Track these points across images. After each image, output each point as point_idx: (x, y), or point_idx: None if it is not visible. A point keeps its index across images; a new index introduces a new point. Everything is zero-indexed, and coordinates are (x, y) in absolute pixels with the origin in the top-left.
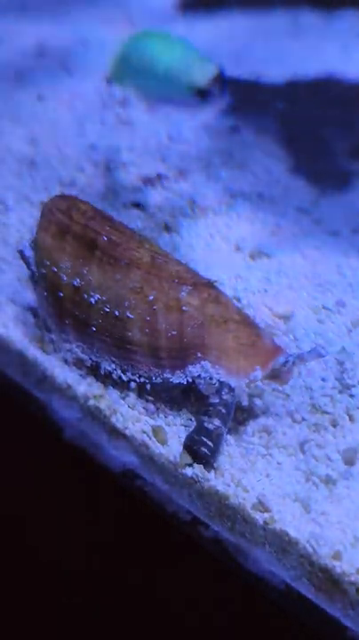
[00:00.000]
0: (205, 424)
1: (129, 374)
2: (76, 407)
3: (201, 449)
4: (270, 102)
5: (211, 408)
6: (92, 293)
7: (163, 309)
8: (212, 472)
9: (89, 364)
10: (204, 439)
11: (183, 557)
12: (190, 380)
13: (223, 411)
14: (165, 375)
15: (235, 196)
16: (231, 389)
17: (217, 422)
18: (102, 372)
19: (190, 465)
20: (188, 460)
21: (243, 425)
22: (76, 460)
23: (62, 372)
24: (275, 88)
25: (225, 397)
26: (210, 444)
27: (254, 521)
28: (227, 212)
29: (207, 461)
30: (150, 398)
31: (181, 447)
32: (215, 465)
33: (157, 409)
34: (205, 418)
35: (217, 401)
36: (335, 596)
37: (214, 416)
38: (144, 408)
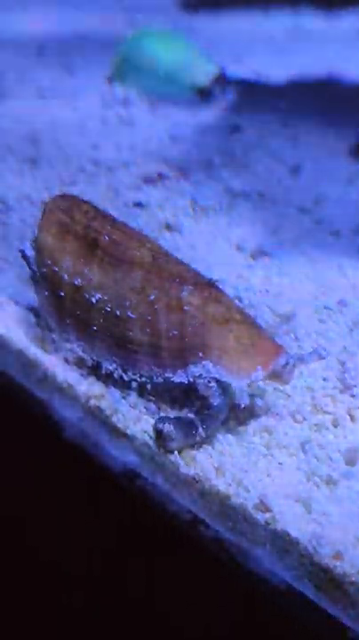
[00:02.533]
0: (183, 416)
1: (130, 374)
2: (77, 407)
3: (165, 425)
4: (271, 102)
5: (196, 407)
6: (93, 293)
7: (164, 309)
8: (214, 472)
9: (90, 364)
10: (174, 421)
11: (184, 557)
12: (191, 380)
13: (209, 413)
14: (166, 375)
15: (237, 196)
16: (226, 392)
17: (195, 418)
18: (103, 372)
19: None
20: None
21: (244, 425)
22: (77, 459)
23: (63, 372)
24: (276, 88)
25: (216, 401)
26: (177, 427)
27: (255, 521)
28: (228, 212)
29: (165, 440)
30: (151, 398)
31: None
32: (174, 448)
33: (159, 409)
34: (187, 412)
35: (214, 403)
36: (336, 596)
37: (197, 414)
38: (145, 408)
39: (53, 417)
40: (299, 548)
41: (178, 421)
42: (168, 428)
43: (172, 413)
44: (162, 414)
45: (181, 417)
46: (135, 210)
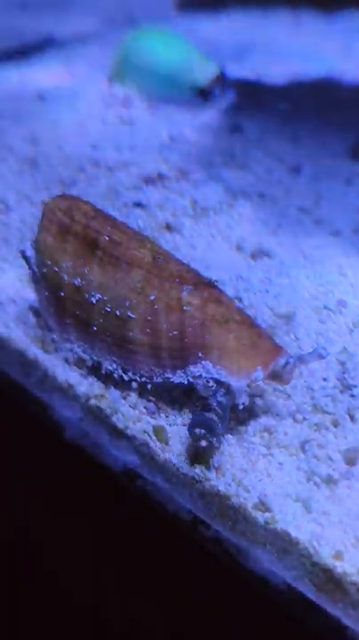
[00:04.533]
0: (205, 416)
1: (130, 374)
2: (77, 407)
3: (206, 437)
4: (271, 102)
5: (208, 408)
6: (93, 293)
7: (164, 309)
8: (214, 472)
9: (90, 364)
10: (204, 430)
11: (183, 556)
12: (191, 380)
13: (219, 411)
14: (166, 375)
15: (237, 196)
16: (228, 391)
17: (214, 417)
18: (103, 372)
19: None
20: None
21: (244, 425)
22: (77, 459)
23: (63, 372)
24: (276, 88)
25: (220, 400)
26: (210, 431)
27: (255, 521)
28: (228, 212)
29: (211, 447)
30: (151, 398)
31: (182, 447)
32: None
33: (158, 409)
34: (203, 413)
35: (214, 403)
36: (336, 596)
37: (211, 413)
38: (145, 408)
39: (54, 417)
40: (298, 548)
41: (208, 429)
42: (206, 442)
43: (173, 414)
44: (190, 419)
45: (205, 419)
46: (135, 210)
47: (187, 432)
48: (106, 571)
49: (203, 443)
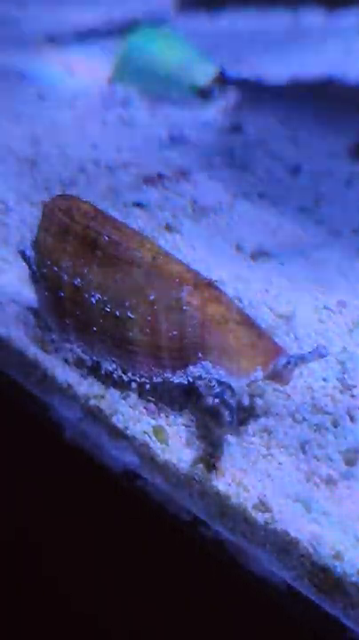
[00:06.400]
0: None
1: (130, 374)
2: (77, 407)
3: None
4: (271, 102)
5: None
6: (93, 293)
7: (163, 309)
8: (213, 472)
9: (90, 364)
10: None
11: (183, 557)
12: (191, 381)
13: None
14: (166, 375)
15: (237, 196)
16: (232, 391)
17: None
18: (103, 372)
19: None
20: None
21: (243, 425)
22: (77, 460)
23: (63, 372)
24: (276, 88)
25: (228, 401)
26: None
27: (255, 521)
28: (228, 212)
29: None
30: (151, 398)
31: (182, 448)
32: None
33: (158, 409)
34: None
35: (218, 403)
36: (336, 596)
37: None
38: (145, 408)
39: (53, 417)
40: (298, 548)
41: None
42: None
43: (173, 414)
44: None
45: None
46: (135, 210)
47: (187, 431)
48: (105, 571)
49: (212, 400)
